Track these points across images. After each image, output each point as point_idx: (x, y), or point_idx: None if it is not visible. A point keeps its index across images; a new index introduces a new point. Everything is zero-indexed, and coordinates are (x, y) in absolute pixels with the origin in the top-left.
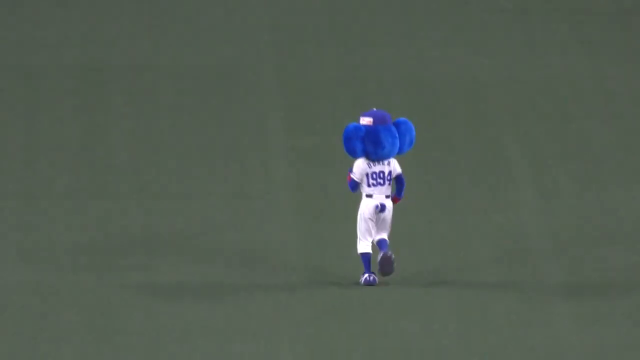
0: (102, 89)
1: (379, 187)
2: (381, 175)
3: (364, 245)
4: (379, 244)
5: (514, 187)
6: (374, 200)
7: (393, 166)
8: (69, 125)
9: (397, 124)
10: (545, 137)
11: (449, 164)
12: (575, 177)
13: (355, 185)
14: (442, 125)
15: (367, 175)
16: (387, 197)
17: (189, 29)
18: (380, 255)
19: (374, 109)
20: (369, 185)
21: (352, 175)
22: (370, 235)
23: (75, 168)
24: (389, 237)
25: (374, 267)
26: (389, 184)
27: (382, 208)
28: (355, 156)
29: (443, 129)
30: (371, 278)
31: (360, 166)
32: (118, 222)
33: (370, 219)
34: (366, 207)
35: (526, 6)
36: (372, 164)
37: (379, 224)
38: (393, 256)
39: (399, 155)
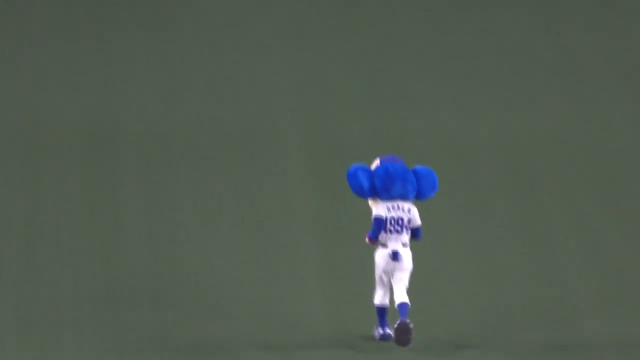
0: (111, 149)
1: (396, 234)
2: (400, 222)
3: (380, 296)
4: (399, 309)
5: (556, 247)
6: (387, 249)
7: (413, 215)
8: (75, 188)
9: (414, 169)
10: (590, 198)
11: (489, 226)
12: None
13: (379, 226)
14: (480, 187)
15: (385, 221)
16: (404, 245)
17: (208, 88)
18: (397, 323)
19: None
20: (385, 232)
21: (375, 214)
22: (386, 286)
23: (83, 231)
24: (407, 291)
25: (392, 321)
26: (407, 233)
27: (395, 256)
28: (363, 193)
29: (480, 190)
30: (386, 333)
31: (379, 207)
32: (127, 285)
33: (384, 270)
34: (380, 257)
35: (570, 63)
36: (390, 208)
37: (396, 274)
38: (411, 325)
39: (420, 202)
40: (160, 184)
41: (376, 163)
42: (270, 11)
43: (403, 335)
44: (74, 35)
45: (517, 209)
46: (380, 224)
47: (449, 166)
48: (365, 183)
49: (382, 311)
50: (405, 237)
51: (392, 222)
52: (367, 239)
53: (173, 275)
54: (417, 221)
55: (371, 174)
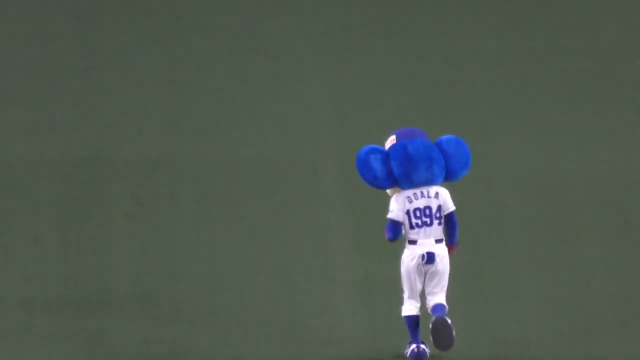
0: (104, 186)
1: (426, 228)
2: (427, 212)
3: (409, 307)
4: (433, 310)
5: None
6: (418, 247)
7: (443, 199)
8: (55, 230)
9: (439, 142)
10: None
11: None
12: None
13: (395, 229)
14: (569, 231)
15: (407, 213)
16: (437, 241)
17: (227, 119)
18: (433, 320)
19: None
20: (411, 227)
21: (389, 215)
22: (417, 294)
23: (74, 279)
24: (446, 301)
25: (425, 335)
26: (440, 224)
27: (429, 258)
28: (377, 183)
29: (569, 237)
30: (420, 349)
31: (397, 201)
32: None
33: (416, 273)
34: (409, 258)
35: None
36: (412, 198)
37: (429, 280)
38: (450, 321)
39: (451, 183)
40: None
41: (391, 140)
42: (304, 30)
43: (441, 334)
44: (57, 50)
45: (613, 250)
46: (397, 227)
47: (532, 205)
48: (380, 170)
49: (413, 322)
50: (438, 230)
51: (418, 213)
52: (386, 236)
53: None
54: (449, 205)
55: (386, 157)
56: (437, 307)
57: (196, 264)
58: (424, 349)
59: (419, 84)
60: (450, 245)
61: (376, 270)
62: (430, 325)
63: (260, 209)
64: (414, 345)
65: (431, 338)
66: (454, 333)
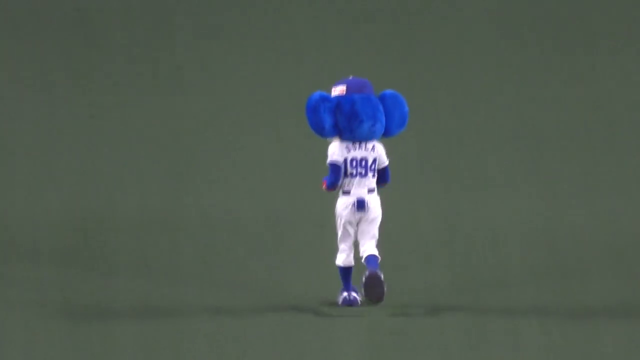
0: (105, 240)
1: (360, 178)
2: (363, 163)
3: (343, 255)
4: (367, 261)
5: None
6: (351, 197)
7: (379, 153)
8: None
9: (382, 97)
10: None
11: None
12: None
13: (335, 173)
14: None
15: (344, 162)
16: (369, 191)
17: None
18: (366, 274)
19: (350, 77)
20: (346, 176)
21: (330, 159)
22: (351, 243)
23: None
24: (377, 247)
25: (358, 283)
26: (373, 176)
27: (359, 205)
28: (323, 133)
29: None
30: (351, 297)
31: (337, 147)
32: None
33: (349, 221)
34: (342, 207)
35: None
36: (350, 147)
37: (361, 228)
38: (382, 276)
39: (386, 138)
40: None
41: (340, 90)
42: (310, 83)
43: (374, 288)
44: (58, 102)
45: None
46: (337, 171)
47: (536, 256)
48: (327, 122)
49: (346, 272)
50: (371, 180)
51: (354, 163)
52: (324, 186)
53: None
54: (384, 159)
55: (335, 108)
56: (370, 258)
57: (200, 321)
58: (354, 297)
59: (426, 137)
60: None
61: (383, 320)
62: (363, 279)
63: (264, 264)
64: (345, 293)
65: (363, 290)
66: (385, 286)
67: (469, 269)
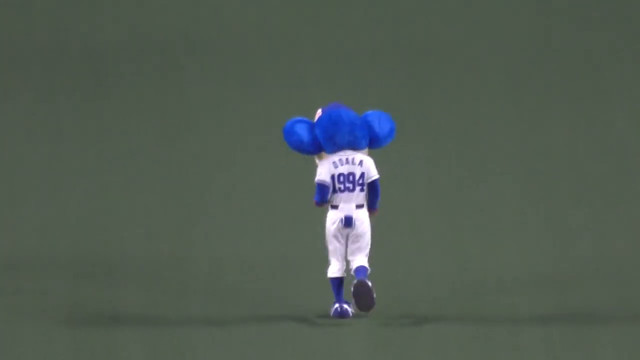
0: (113, 286)
1: (348, 193)
2: (350, 178)
3: (333, 269)
4: (356, 272)
5: None
6: (339, 212)
7: (366, 167)
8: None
9: (365, 115)
10: None
11: None
12: None
13: (322, 192)
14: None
15: (332, 178)
16: (358, 207)
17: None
18: (355, 282)
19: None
20: (334, 191)
21: (317, 178)
22: (341, 256)
23: None
24: (369, 262)
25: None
26: (362, 190)
27: (347, 222)
28: (302, 146)
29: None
30: (343, 309)
31: (324, 165)
32: None
33: (337, 236)
34: (330, 222)
35: None
36: (337, 163)
37: (350, 242)
38: (370, 284)
39: (375, 150)
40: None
41: (318, 114)
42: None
43: (362, 296)
44: (65, 151)
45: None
46: (324, 190)
47: (544, 300)
48: (305, 135)
49: (337, 283)
50: (359, 196)
51: (342, 178)
52: (314, 202)
53: None
54: (373, 172)
55: (312, 127)
56: (359, 269)
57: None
58: (346, 309)
59: (432, 186)
60: (371, 209)
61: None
62: (352, 288)
63: (273, 308)
64: (337, 305)
65: (353, 299)
66: (374, 295)
67: (478, 313)
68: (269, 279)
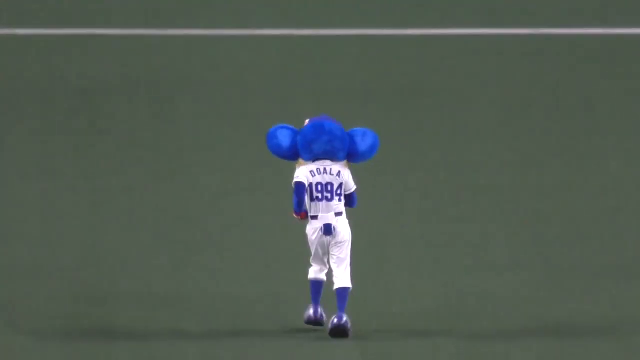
0: (108, 322)
1: (326, 203)
2: (328, 187)
3: (315, 270)
4: (338, 296)
5: None
6: (319, 221)
7: (345, 179)
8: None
9: (350, 131)
10: None
11: None
12: None
13: (299, 192)
14: None
15: (310, 186)
16: (337, 214)
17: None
18: (332, 324)
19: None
20: (312, 200)
21: (294, 180)
22: (324, 263)
23: None
24: (349, 266)
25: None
26: (340, 200)
27: (326, 230)
28: (281, 152)
29: None
30: (318, 315)
31: (302, 169)
32: None
33: (319, 245)
34: (312, 231)
35: None
36: (315, 172)
37: (332, 251)
38: (349, 325)
39: (355, 164)
40: None
41: (305, 123)
42: None
43: (338, 335)
44: (60, 188)
45: None
46: (300, 190)
47: (540, 341)
48: (286, 141)
49: (316, 286)
50: (338, 204)
51: (320, 187)
52: (294, 214)
53: None
54: (351, 184)
55: (295, 133)
56: (341, 293)
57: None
58: (321, 317)
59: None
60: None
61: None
62: (329, 327)
63: (268, 348)
64: (311, 311)
65: (329, 332)
66: (349, 333)
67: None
68: (262, 317)
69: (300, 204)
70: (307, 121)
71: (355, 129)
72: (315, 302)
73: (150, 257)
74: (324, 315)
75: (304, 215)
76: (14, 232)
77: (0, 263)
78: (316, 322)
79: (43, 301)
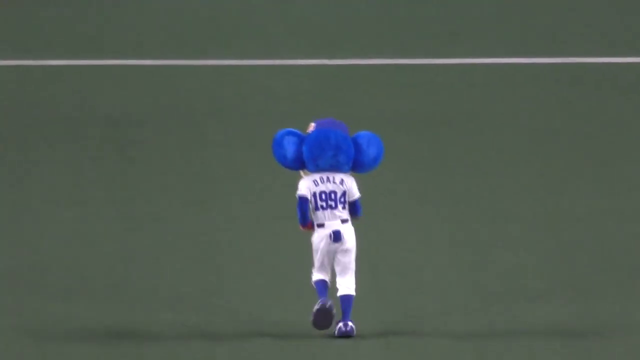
0: (138, 354)
1: (331, 211)
2: (332, 196)
3: (319, 275)
4: (342, 304)
5: None
6: (326, 229)
7: (348, 187)
8: None
9: (356, 136)
10: None
11: None
12: None
13: (302, 206)
14: None
15: (314, 196)
16: (343, 222)
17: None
18: (340, 331)
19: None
20: (316, 209)
21: (297, 193)
22: (328, 272)
23: None
24: (355, 275)
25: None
26: (344, 207)
27: (335, 237)
28: (285, 162)
29: None
30: (328, 305)
31: (305, 181)
32: None
33: (326, 254)
34: (319, 239)
35: None
36: (318, 181)
37: (338, 259)
38: (354, 333)
39: (359, 174)
40: None
41: (311, 127)
42: None
43: (322, 320)
44: (91, 216)
45: None
46: (303, 205)
47: None
48: (290, 151)
49: (322, 284)
50: (343, 211)
51: (323, 196)
52: (300, 227)
53: None
54: (355, 192)
55: (301, 142)
56: (345, 301)
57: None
58: (331, 304)
59: (452, 249)
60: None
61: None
62: (336, 335)
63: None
64: (321, 304)
65: (312, 318)
66: (333, 320)
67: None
68: (294, 345)
69: (304, 217)
70: (312, 125)
71: (359, 134)
72: (323, 295)
73: (180, 285)
74: (334, 309)
75: (310, 226)
76: (44, 260)
77: (32, 289)
78: (325, 309)
79: (72, 326)
